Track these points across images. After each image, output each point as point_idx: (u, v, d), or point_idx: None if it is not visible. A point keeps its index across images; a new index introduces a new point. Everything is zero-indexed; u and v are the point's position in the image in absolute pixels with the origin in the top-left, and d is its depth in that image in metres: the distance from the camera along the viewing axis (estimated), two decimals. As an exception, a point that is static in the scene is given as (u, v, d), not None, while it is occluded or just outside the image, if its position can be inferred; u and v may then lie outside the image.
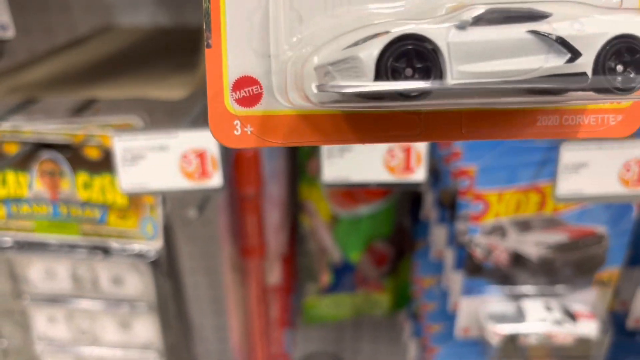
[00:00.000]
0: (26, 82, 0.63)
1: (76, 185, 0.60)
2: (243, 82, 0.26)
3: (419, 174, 0.51)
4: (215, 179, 0.47)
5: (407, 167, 0.52)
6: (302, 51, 0.26)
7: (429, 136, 0.27)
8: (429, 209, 0.81)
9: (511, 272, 0.62)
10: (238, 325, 0.91)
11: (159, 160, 0.45)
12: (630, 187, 0.46)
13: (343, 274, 0.97)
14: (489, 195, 0.57)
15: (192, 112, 0.51)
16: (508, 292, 0.63)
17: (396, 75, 0.23)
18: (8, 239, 0.63)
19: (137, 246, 0.61)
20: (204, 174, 0.47)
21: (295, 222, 0.94)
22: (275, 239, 0.86)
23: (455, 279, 0.69)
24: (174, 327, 0.67)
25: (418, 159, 0.52)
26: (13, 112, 0.58)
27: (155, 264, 0.62)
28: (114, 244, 0.62)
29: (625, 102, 0.27)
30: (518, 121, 0.27)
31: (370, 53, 0.23)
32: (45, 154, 0.60)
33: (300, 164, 0.87)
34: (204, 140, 0.45)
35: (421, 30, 0.23)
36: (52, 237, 0.62)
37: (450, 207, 0.71)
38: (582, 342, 0.60)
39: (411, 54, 0.23)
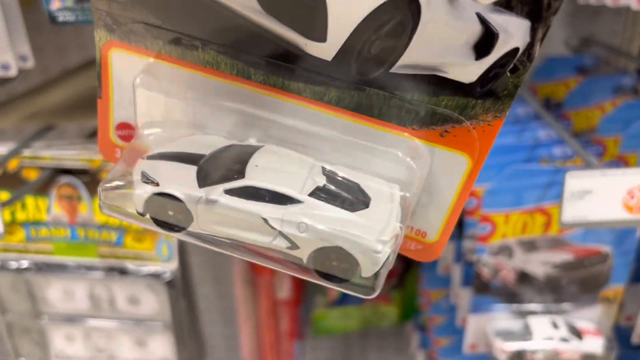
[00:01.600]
0: (43, 108, 0.65)
1: (94, 209, 0.62)
2: (123, 126, 0.36)
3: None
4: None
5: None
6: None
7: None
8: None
9: (518, 290, 0.63)
10: (249, 337, 0.93)
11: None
12: (634, 213, 0.48)
13: (351, 287, 0.98)
14: (496, 217, 0.59)
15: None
16: (515, 310, 0.64)
17: (159, 212, 0.31)
18: (27, 261, 0.65)
19: (153, 267, 0.63)
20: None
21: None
22: (285, 254, 0.87)
23: (462, 295, 0.70)
24: (188, 344, 0.69)
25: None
26: (33, 139, 0.60)
27: (170, 284, 0.63)
28: (130, 265, 0.63)
29: (429, 239, 0.36)
30: None
31: (140, 195, 0.31)
32: (64, 179, 0.61)
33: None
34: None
35: (175, 191, 0.31)
36: (70, 259, 0.64)
37: (457, 225, 0.73)
38: (588, 359, 0.61)
39: (170, 204, 0.31)
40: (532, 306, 0.64)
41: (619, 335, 0.70)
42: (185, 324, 0.68)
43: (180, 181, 0.31)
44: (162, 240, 0.62)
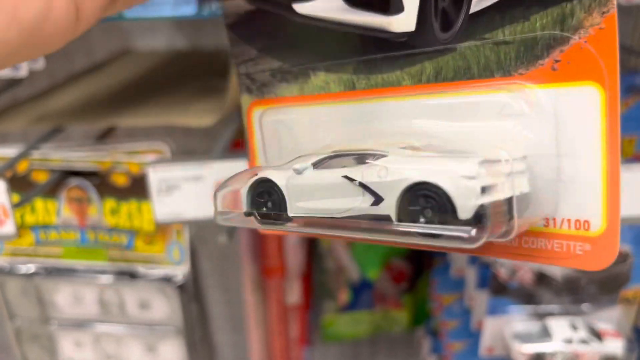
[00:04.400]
0: (51, 110, 0.64)
1: (103, 211, 0.61)
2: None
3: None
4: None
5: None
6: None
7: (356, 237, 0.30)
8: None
9: (536, 291, 0.62)
10: (259, 343, 0.92)
11: (194, 190, 0.46)
12: (657, 209, 0.47)
13: (361, 292, 0.97)
14: (513, 216, 0.57)
15: (222, 140, 0.52)
16: (533, 311, 0.63)
17: (260, 205, 0.31)
18: (36, 265, 0.64)
19: (164, 271, 0.62)
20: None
21: (313, 240, 0.94)
22: (295, 258, 0.86)
23: (478, 298, 0.69)
24: (199, 350, 0.68)
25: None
26: (42, 141, 0.59)
27: (182, 288, 0.62)
28: (140, 269, 0.62)
29: (594, 230, 0.25)
30: None
31: (244, 191, 0.31)
32: (73, 181, 0.60)
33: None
34: (237, 169, 0.46)
35: (269, 174, 0.30)
36: (79, 263, 0.63)
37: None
38: (609, 361, 0.60)
39: (267, 192, 0.30)
40: (551, 307, 0.63)
41: (639, 337, 0.68)
42: (197, 329, 0.67)
43: (277, 172, 0.30)
44: (173, 243, 0.61)
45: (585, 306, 0.63)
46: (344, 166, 0.27)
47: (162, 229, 0.60)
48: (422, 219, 0.24)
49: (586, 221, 0.25)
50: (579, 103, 0.24)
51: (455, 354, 0.78)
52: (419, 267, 0.97)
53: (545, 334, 0.61)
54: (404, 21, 0.26)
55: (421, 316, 1.01)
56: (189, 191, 0.46)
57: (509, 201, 0.24)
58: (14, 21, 0.25)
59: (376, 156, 0.27)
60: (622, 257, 0.60)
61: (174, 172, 0.45)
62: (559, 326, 0.62)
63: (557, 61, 0.24)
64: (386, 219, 0.25)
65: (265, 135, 0.34)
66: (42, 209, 0.61)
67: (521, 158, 0.25)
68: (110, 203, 0.60)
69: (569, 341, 0.60)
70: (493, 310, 0.63)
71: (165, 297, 0.63)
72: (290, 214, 0.29)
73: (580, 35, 0.23)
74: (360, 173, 0.26)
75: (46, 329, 0.67)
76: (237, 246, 0.88)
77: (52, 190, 0.61)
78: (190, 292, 0.63)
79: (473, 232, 0.23)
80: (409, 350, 1.15)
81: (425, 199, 0.24)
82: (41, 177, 0.60)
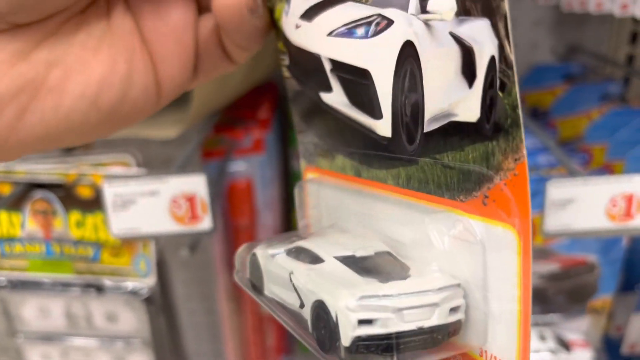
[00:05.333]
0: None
1: (69, 224, 0.60)
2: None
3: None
4: (205, 222, 0.47)
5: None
6: None
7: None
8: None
9: (504, 301, 0.62)
10: (234, 353, 0.91)
11: (150, 205, 0.45)
12: (617, 221, 0.47)
13: (339, 300, 0.97)
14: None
15: (183, 153, 0.52)
16: (502, 322, 0.63)
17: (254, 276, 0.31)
18: (2, 279, 0.63)
19: (131, 283, 0.61)
20: (193, 217, 0.47)
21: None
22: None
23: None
24: (169, 362, 0.67)
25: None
26: (5, 153, 0.58)
27: (148, 301, 0.62)
28: (107, 281, 0.62)
29: None
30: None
31: (247, 260, 0.32)
32: (38, 194, 0.60)
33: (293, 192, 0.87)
34: (193, 184, 0.45)
35: (257, 250, 0.31)
36: (45, 276, 0.62)
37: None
38: (577, 372, 0.60)
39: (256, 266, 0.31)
40: (520, 318, 0.63)
41: (609, 345, 0.68)
42: (166, 341, 0.67)
43: (263, 250, 0.31)
44: (139, 256, 0.60)
45: (553, 316, 0.62)
46: (301, 261, 0.28)
47: (128, 241, 0.59)
48: (321, 334, 0.25)
49: None
50: (500, 242, 0.24)
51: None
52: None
53: (513, 345, 0.61)
54: (384, 127, 0.28)
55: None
56: (144, 206, 0.45)
57: (396, 335, 0.24)
58: (93, 106, 0.26)
59: (318, 260, 0.28)
60: (589, 268, 0.60)
61: (129, 187, 0.45)
62: (528, 337, 0.62)
63: (486, 197, 0.24)
64: (306, 325, 0.26)
65: (315, 200, 0.36)
66: (6, 222, 0.61)
67: (455, 285, 0.25)
68: (75, 215, 0.60)
69: (537, 352, 0.60)
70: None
71: (132, 309, 0.62)
72: (265, 292, 0.30)
73: (500, 176, 0.24)
74: (300, 273, 0.27)
75: (13, 342, 0.66)
76: (211, 256, 0.88)
77: (16, 203, 0.60)
78: (158, 304, 0.63)
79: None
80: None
81: (322, 316, 0.25)
82: (5, 190, 0.59)
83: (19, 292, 0.63)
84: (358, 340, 0.23)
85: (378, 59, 0.26)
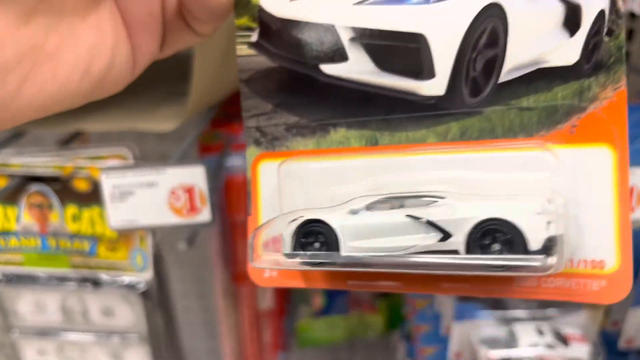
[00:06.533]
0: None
1: (65, 217, 0.60)
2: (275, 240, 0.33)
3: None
4: (204, 214, 0.47)
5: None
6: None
7: (410, 288, 0.32)
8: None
9: (502, 296, 0.62)
10: (231, 349, 0.91)
11: (148, 197, 0.45)
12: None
13: (336, 297, 0.97)
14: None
15: (181, 146, 0.51)
16: (500, 316, 0.63)
17: (306, 247, 0.30)
18: (-3, 273, 0.62)
19: (127, 278, 0.61)
20: (192, 209, 0.47)
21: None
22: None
23: (447, 303, 0.69)
24: (165, 357, 0.67)
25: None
26: (2, 146, 0.58)
27: (145, 295, 0.61)
28: (103, 275, 0.61)
29: (608, 268, 0.28)
30: (495, 281, 0.30)
31: (288, 232, 0.31)
32: (34, 187, 0.59)
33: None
34: (192, 176, 0.45)
35: (319, 215, 0.30)
36: (41, 270, 0.62)
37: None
38: (575, 366, 0.60)
39: (316, 232, 0.30)
40: (518, 313, 0.63)
41: (606, 340, 0.69)
42: (162, 336, 0.66)
43: (325, 214, 0.31)
44: (136, 250, 0.60)
45: (551, 311, 0.62)
46: (402, 206, 0.29)
47: (125, 235, 0.59)
48: (491, 252, 0.27)
49: (601, 261, 0.28)
50: (593, 161, 0.28)
51: (426, 358, 0.78)
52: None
53: (511, 339, 0.61)
54: (435, 86, 0.30)
55: (396, 320, 1.01)
56: (143, 197, 0.45)
57: (562, 238, 0.27)
58: (86, 75, 0.28)
59: (434, 197, 0.29)
60: (587, 262, 0.60)
61: (127, 178, 0.45)
62: (526, 331, 0.62)
63: (574, 126, 0.28)
64: (454, 253, 0.27)
65: (273, 187, 0.34)
66: (1, 216, 0.60)
67: (563, 203, 0.28)
68: (71, 209, 0.59)
69: (534, 346, 0.60)
70: (460, 315, 0.63)
71: (128, 304, 0.62)
72: (343, 253, 0.30)
73: (596, 105, 0.28)
74: (424, 212, 0.28)
75: (9, 338, 0.66)
76: (208, 251, 0.88)
77: (11, 196, 0.59)
78: (155, 299, 0.62)
79: (548, 260, 0.26)
80: (386, 354, 1.15)
81: (494, 234, 0.27)
82: (0, 183, 0.59)
83: (14, 286, 0.63)
84: (547, 241, 0.26)
85: (439, 23, 0.29)
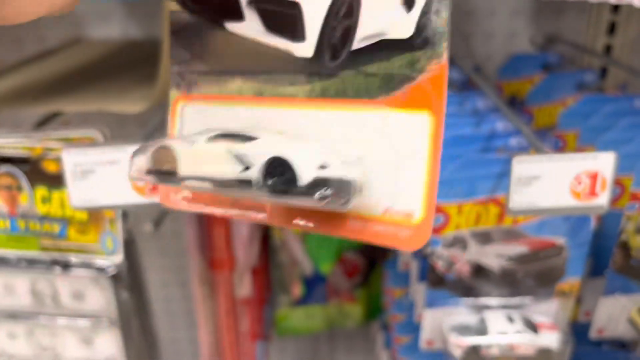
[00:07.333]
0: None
1: (35, 199, 0.59)
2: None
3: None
4: (168, 194, 0.47)
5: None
6: None
7: (272, 221, 0.37)
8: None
9: (473, 283, 0.62)
10: (208, 338, 0.90)
11: (109, 175, 0.45)
12: (581, 200, 0.47)
13: (314, 285, 0.97)
14: (449, 208, 0.57)
15: (148, 126, 0.51)
16: (471, 304, 0.63)
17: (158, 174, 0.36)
18: (-35, 255, 0.62)
19: (98, 261, 0.61)
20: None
21: (266, 233, 0.94)
22: (245, 252, 0.85)
23: (419, 291, 0.69)
24: (136, 342, 0.67)
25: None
26: (-30, 126, 0.57)
27: (115, 279, 0.61)
28: (73, 258, 0.61)
29: (414, 220, 0.32)
30: (334, 220, 0.35)
31: (148, 154, 0.36)
32: (3, 168, 0.59)
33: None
34: (155, 155, 0.45)
35: (169, 143, 0.36)
36: (10, 252, 0.61)
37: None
38: (544, 353, 0.60)
39: (166, 156, 0.36)
40: (489, 300, 0.63)
41: (578, 330, 0.69)
42: (134, 321, 0.66)
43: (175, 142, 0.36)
44: (106, 233, 0.60)
45: (522, 299, 0.63)
46: (228, 141, 0.35)
47: (95, 217, 0.59)
48: (276, 182, 0.32)
49: (410, 212, 0.32)
50: (415, 124, 0.32)
51: (401, 347, 0.78)
52: (372, 260, 0.97)
53: (482, 327, 0.61)
54: (305, 48, 0.34)
55: (375, 310, 1.01)
56: (104, 176, 0.45)
57: (344, 182, 0.32)
58: None
59: (252, 138, 0.34)
60: (557, 250, 0.60)
61: (89, 156, 0.44)
62: (496, 319, 0.62)
63: (404, 93, 0.32)
64: (249, 182, 0.33)
65: (184, 124, 0.40)
66: (-30, 196, 0.59)
67: (357, 157, 0.33)
68: (41, 191, 0.59)
69: (504, 333, 0.60)
70: (431, 303, 0.63)
71: (99, 287, 0.62)
72: (181, 173, 0.35)
73: (423, 76, 0.32)
74: (237, 147, 0.34)
75: (-22, 320, 0.65)
76: (184, 238, 0.87)
77: (-20, 177, 0.59)
78: (125, 283, 0.62)
79: (315, 195, 0.30)
80: (366, 344, 1.15)
81: (279, 169, 0.32)
82: (-32, 164, 0.58)
83: (-17, 268, 0.62)
84: (316, 180, 0.31)
85: None
